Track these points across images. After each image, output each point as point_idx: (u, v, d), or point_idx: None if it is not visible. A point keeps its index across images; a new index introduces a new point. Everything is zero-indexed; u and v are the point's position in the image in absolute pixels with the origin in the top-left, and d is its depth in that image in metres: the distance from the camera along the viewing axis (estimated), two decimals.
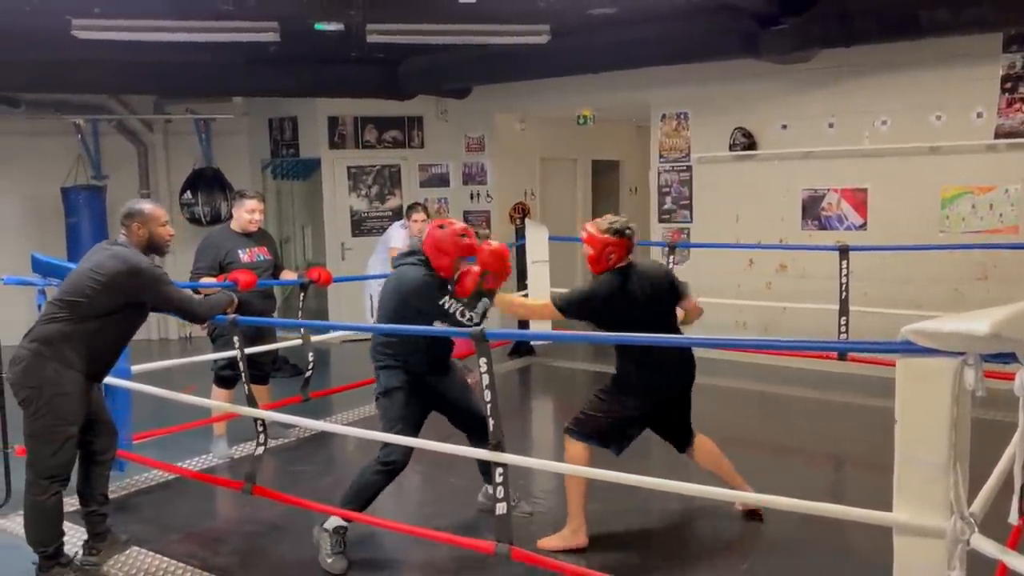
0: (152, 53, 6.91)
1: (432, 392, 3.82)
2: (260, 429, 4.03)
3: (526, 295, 7.18)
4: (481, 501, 4.12)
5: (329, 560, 3.57)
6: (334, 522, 3.62)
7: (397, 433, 3.59)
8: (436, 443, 3.56)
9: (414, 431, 3.69)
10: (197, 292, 4.97)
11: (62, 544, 3.58)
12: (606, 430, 3.71)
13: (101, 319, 3.45)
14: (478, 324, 3.58)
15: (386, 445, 3.62)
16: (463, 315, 3.58)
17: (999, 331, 1.88)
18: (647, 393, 3.73)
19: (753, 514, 4.01)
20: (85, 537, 3.74)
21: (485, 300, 3.72)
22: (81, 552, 3.70)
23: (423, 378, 3.78)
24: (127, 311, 3.53)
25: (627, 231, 3.75)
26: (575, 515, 3.74)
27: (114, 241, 3.65)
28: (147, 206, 3.71)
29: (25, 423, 3.43)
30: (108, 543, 3.74)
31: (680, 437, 3.96)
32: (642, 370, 3.71)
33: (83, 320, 3.42)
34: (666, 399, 3.82)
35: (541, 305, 4.01)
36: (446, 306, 3.57)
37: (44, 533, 3.50)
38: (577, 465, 3.63)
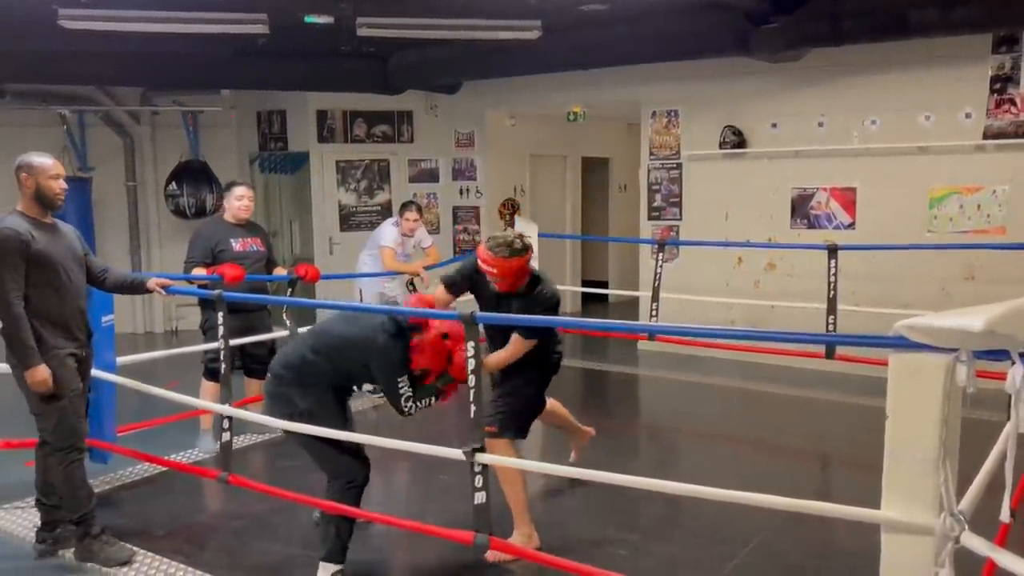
0: (140, 44, 6.86)
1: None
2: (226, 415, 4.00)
3: None
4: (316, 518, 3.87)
5: None
6: (328, 570, 3.39)
7: (346, 453, 3.40)
8: (412, 443, 3.42)
9: (355, 447, 3.45)
10: (190, 283, 5.00)
11: (93, 513, 3.63)
12: (526, 418, 3.80)
13: (26, 290, 3.42)
14: (411, 414, 3.41)
15: (339, 467, 3.41)
16: (406, 401, 3.37)
17: (994, 327, 1.87)
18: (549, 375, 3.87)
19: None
20: (38, 526, 3.77)
21: (432, 397, 3.45)
22: (35, 539, 3.74)
23: (344, 394, 3.56)
24: (31, 273, 3.44)
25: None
26: (523, 519, 3.70)
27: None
28: (36, 158, 3.68)
29: (28, 403, 3.55)
30: (60, 533, 3.77)
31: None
32: (553, 356, 3.82)
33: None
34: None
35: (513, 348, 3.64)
36: (399, 384, 3.35)
37: (74, 500, 3.58)
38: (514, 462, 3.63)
